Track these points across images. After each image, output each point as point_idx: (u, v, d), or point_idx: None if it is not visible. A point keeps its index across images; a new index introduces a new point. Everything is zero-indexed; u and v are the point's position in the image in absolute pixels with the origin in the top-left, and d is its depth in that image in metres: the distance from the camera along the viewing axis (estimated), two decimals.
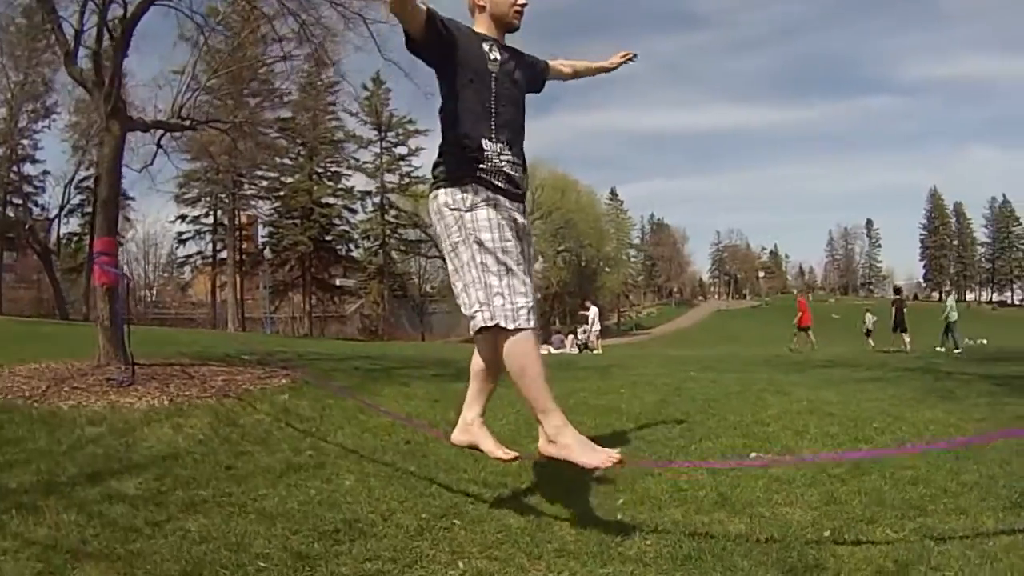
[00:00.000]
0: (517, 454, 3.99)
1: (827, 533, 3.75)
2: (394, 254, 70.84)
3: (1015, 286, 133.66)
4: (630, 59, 4.83)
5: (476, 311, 3.63)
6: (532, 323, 3.60)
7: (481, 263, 3.63)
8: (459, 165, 3.77)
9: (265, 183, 61.05)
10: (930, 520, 3.91)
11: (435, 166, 3.90)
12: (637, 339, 74.91)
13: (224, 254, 60.93)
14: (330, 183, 64.74)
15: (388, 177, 69.72)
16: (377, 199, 69.40)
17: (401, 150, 70.13)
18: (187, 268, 67.10)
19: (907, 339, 26.19)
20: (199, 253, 63.20)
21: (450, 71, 3.84)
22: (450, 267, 3.82)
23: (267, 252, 54.54)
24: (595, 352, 27.60)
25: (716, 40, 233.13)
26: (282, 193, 61.31)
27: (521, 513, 4.06)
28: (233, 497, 4.24)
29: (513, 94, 3.96)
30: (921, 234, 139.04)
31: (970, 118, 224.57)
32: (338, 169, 65.97)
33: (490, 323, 3.58)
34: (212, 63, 11.19)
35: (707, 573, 3.26)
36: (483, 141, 3.78)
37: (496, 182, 3.77)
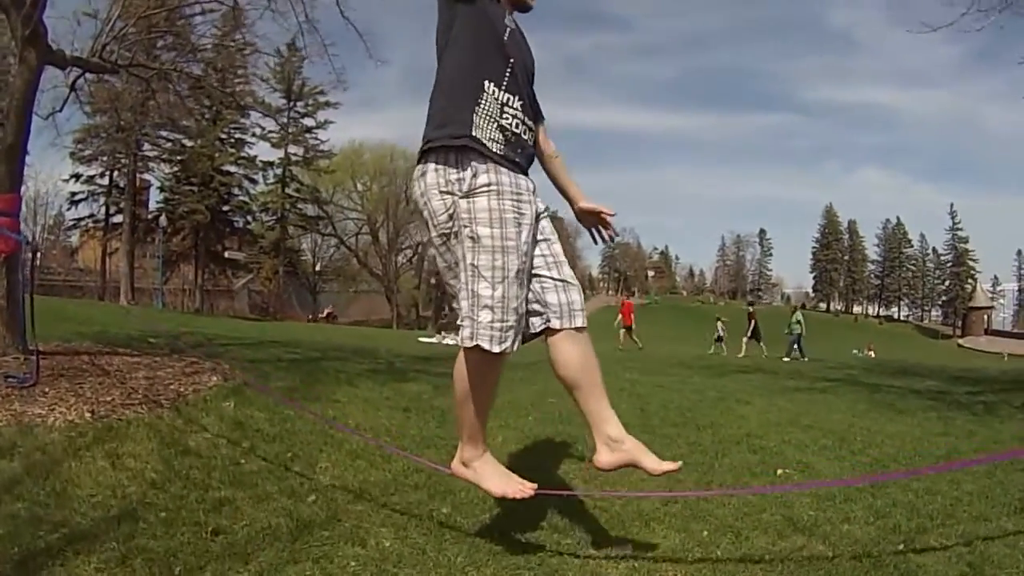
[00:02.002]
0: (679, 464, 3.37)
1: (900, 546, 3.84)
2: (291, 229, 68.50)
3: (902, 303, 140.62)
4: (604, 223, 3.73)
5: (460, 324, 3.15)
6: (516, 346, 3.14)
7: (472, 265, 3.08)
8: (453, 106, 3.17)
9: (168, 144, 57.03)
10: (964, 527, 4.15)
11: (427, 126, 3.27)
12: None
13: (118, 219, 56.14)
14: (233, 150, 61.15)
15: (293, 149, 66.38)
16: (279, 171, 65.61)
17: (309, 122, 67.19)
18: (75, 232, 62.53)
19: (759, 344, 28.34)
20: (91, 216, 58.33)
21: (469, 16, 3.24)
22: (441, 262, 3.32)
23: (163, 219, 51.23)
24: None
25: (622, 43, 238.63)
26: (183, 157, 57.40)
27: (619, 562, 3.49)
28: None
29: (526, 63, 3.40)
30: (814, 247, 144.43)
31: (867, 143, 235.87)
32: (242, 136, 62.27)
33: (469, 343, 3.08)
34: (130, 7, 9.80)
35: None
36: (487, 82, 3.18)
37: (498, 143, 3.16)
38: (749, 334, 28.76)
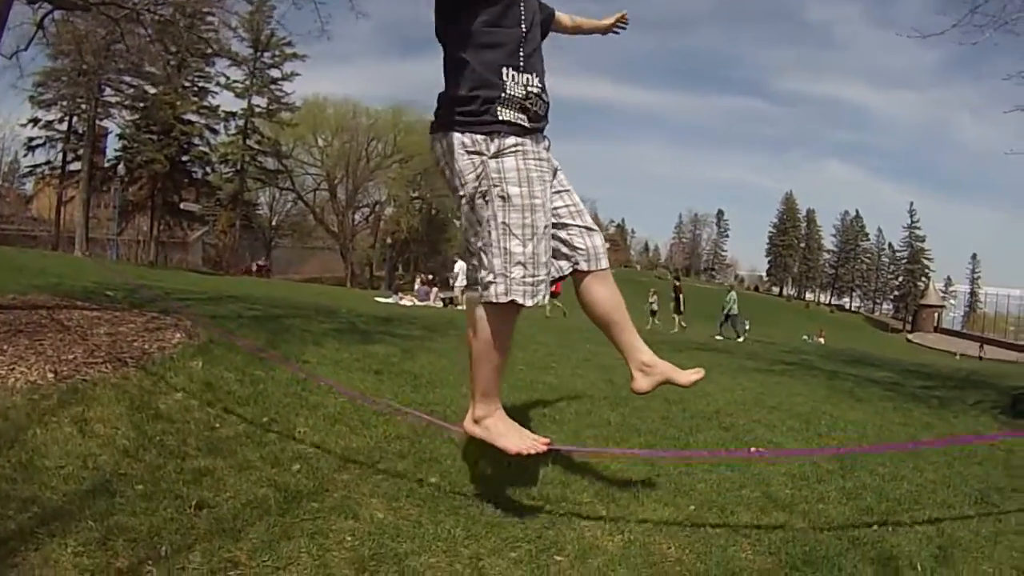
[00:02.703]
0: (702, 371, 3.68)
1: (874, 526, 3.95)
2: (250, 182, 67.30)
3: (854, 294, 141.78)
4: (623, 22, 4.27)
5: (491, 281, 3.13)
6: (546, 298, 3.28)
7: (503, 223, 3.12)
8: (479, 98, 3.14)
9: (131, 91, 55.41)
10: (930, 512, 4.29)
11: (445, 102, 3.27)
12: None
13: (74, 166, 54.92)
14: (196, 99, 59.51)
15: (256, 100, 64.42)
16: (241, 122, 63.79)
17: (274, 73, 65.00)
18: (30, 180, 61.23)
19: (681, 321, 28.62)
20: (48, 163, 57.00)
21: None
22: (464, 221, 3.29)
23: (120, 168, 49.92)
24: (460, 308, 26.49)
25: (598, 12, 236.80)
26: (145, 104, 55.66)
27: (615, 532, 3.55)
28: (242, 572, 2.74)
29: (537, 20, 3.40)
30: (770, 232, 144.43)
31: (833, 137, 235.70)
32: (206, 85, 60.81)
33: (504, 299, 3.11)
34: None
35: (828, 572, 3.30)
36: (507, 69, 3.18)
37: (523, 121, 3.18)
38: (677, 308, 28.96)
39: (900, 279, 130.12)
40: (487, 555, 3.10)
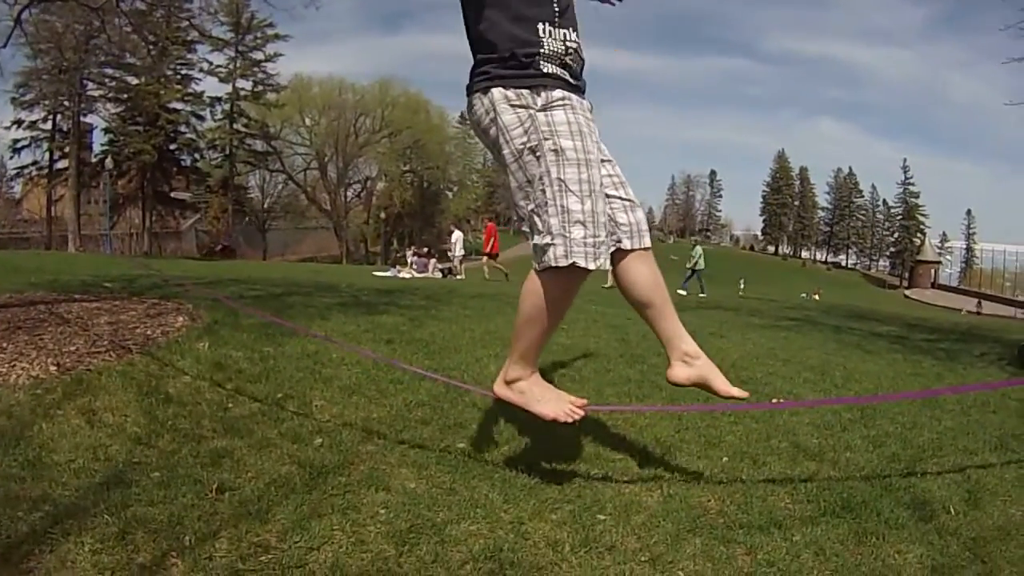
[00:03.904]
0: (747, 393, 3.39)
1: (904, 472, 3.96)
2: (239, 166, 66.83)
3: (850, 251, 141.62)
4: None
5: (548, 243, 2.88)
6: (607, 261, 3.04)
7: (559, 179, 2.88)
8: (518, 55, 2.96)
9: (113, 83, 55.40)
10: (954, 458, 4.28)
11: (479, 69, 3.08)
12: (479, 264, 74.33)
13: (61, 164, 54.50)
14: (179, 87, 59.20)
15: (241, 83, 64.09)
16: (227, 106, 63.44)
17: (257, 55, 64.66)
18: (18, 182, 60.43)
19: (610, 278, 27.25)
20: (34, 163, 56.35)
21: None
22: (513, 182, 3.07)
23: (108, 162, 49.54)
24: (459, 277, 26.50)
25: None
26: (128, 96, 55.65)
27: (654, 489, 3.48)
28: (274, 556, 2.59)
29: None
30: (764, 191, 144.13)
31: (826, 95, 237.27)
32: (189, 72, 60.59)
33: (564, 263, 2.86)
34: None
35: (868, 518, 3.27)
36: (543, 25, 2.99)
37: (567, 75, 3.02)
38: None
39: (896, 236, 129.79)
40: (528, 518, 3.01)
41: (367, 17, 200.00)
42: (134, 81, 54.39)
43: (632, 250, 3.18)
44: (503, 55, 2.95)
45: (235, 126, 64.42)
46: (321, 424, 3.93)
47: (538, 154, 2.91)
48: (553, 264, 2.87)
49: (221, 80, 62.81)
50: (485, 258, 28.30)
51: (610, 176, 3.17)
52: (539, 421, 3.35)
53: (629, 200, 3.21)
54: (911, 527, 3.23)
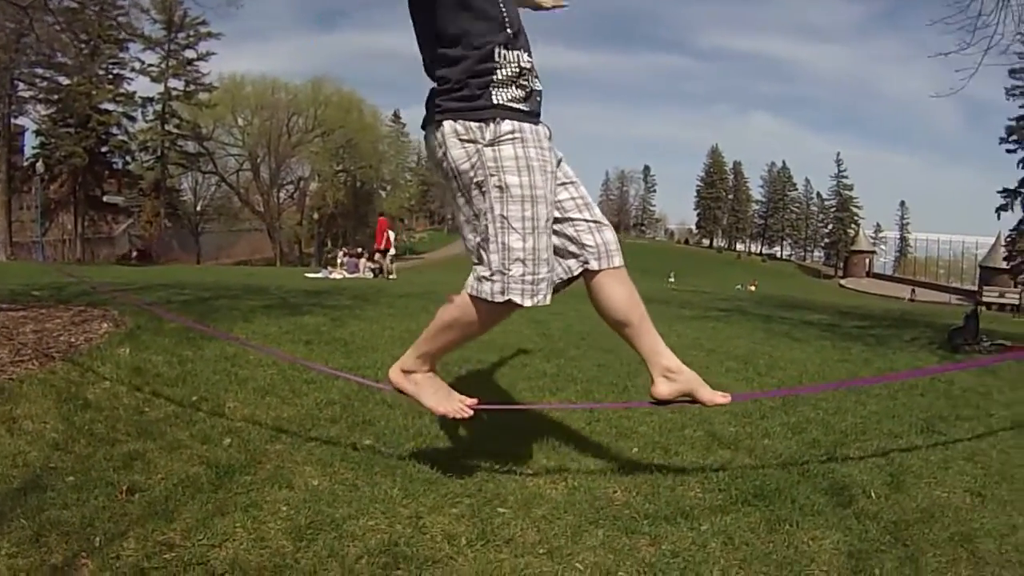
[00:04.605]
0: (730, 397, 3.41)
1: (823, 458, 4.01)
2: (171, 168, 65.11)
3: (785, 242, 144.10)
4: (559, 5, 3.80)
5: (487, 277, 2.91)
6: (548, 298, 2.99)
7: (501, 216, 2.87)
8: (471, 83, 2.92)
9: (44, 84, 53.18)
10: (878, 442, 4.39)
11: (434, 101, 3.03)
12: (412, 263, 74.00)
13: None
14: (111, 87, 57.20)
15: (173, 83, 62.15)
16: (159, 106, 61.59)
17: (189, 54, 62.62)
18: None
19: None
20: None
21: None
22: (460, 215, 3.10)
23: (40, 165, 48.04)
24: (391, 277, 26.20)
25: None
26: (60, 96, 53.60)
27: (559, 482, 3.50)
28: (177, 554, 2.59)
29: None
30: (698, 185, 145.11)
31: (760, 90, 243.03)
32: (121, 71, 58.67)
33: (499, 299, 2.89)
34: None
35: (782, 506, 3.30)
36: (497, 49, 2.93)
37: (520, 102, 2.96)
38: None
39: (830, 227, 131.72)
40: (427, 513, 3.03)
41: (302, 15, 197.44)
42: (65, 81, 52.71)
43: (600, 270, 3.14)
44: (456, 86, 2.93)
45: (167, 127, 62.74)
46: (232, 425, 3.94)
47: (483, 189, 2.90)
48: (488, 299, 2.90)
49: (153, 80, 61.26)
50: (378, 255, 27.50)
51: (573, 199, 3.16)
52: (448, 417, 3.42)
53: (595, 221, 3.17)
54: (828, 513, 3.27)
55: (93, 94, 53.77)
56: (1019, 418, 5.28)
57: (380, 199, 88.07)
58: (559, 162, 3.14)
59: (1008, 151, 62.08)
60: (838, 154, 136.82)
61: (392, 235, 30.79)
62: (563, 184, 3.13)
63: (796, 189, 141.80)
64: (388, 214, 63.82)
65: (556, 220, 3.08)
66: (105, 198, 58.70)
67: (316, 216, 77.34)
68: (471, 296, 2.96)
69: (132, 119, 60.26)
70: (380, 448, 3.76)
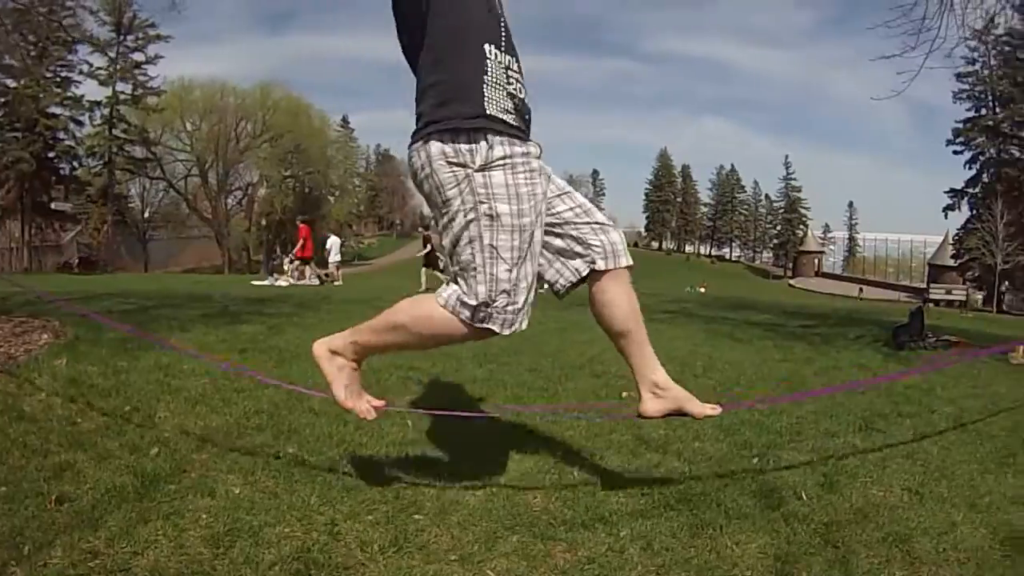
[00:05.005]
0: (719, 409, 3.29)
1: (755, 460, 4.01)
2: (119, 174, 63.44)
3: (734, 244, 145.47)
4: None
5: (470, 303, 2.80)
6: (525, 325, 2.93)
7: (491, 246, 2.77)
8: (461, 83, 2.79)
9: None
10: (814, 442, 4.38)
11: (421, 117, 2.86)
12: (360, 270, 73.38)
13: None
14: (59, 90, 56.23)
15: (121, 87, 60.56)
16: (107, 111, 59.95)
17: (138, 57, 61.10)
18: None
19: (440, 276, 23.36)
20: None
21: None
22: (445, 238, 2.90)
23: None
24: (336, 283, 26.11)
25: None
26: (4, 100, 52.69)
27: (478, 488, 3.48)
28: (101, 562, 2.63)
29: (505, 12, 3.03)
30: (647, 189, 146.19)
31: (707, 94, 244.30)
32: (69, 74, 57.54)
33: (479, 325, 2.82)
34: None
35: (707, 509, 3.29)
36: (488, 46, 2.82)
37: (511, 115, 2.84)
38: (425, 262, 24.86)
39: (778, 228, 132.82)
40: (343, 520, 3.04)
41: (252, 18, 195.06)
42: (12, 84, 51.75)
43: (607, 271, 3.06)
44: (445, 82, 2.81)
45: (114, 132, 61.25)
46: (160, 435, 3.95)
47: (472, 217, 2.77)
48: (468, 322, 2.83)
49: (101, 83, 59.87)
50: (297, 262, 26.14)
51: (571, 208, 3.06)
52: (371, 424, 3.53)
53: (599, 223, 3.08)
54: (755, 516, 3.24)
55: (41, 97, 52.84)
56: (962, 414, 5.32)
57: (329, 205, 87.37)
58: (549, 177, 3.04)
59: (955, 152, 63.73)
60: (786, 156, 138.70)
61: (338, 241, 30.68)
62: (559, 196, 3.06)
63: (745, 191, 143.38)
64: (333, 219, 63.21)
65: (559, 228, 3.04)
66: (53, 205, 57.53)
67: (264, 222, 76.55)
68: (447, 311, 2.85)
69: (80, 124, 59.20)
70: (302, 456, 3.77)
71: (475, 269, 2.78)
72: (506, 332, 2.85)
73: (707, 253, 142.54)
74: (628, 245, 3.19)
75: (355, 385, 3.14)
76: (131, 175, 66.55)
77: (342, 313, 9.89)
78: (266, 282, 23.09)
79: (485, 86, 2.77)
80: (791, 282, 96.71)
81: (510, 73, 2.87)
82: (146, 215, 70.73)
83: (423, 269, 24.21)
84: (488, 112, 2.76)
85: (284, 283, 23.11)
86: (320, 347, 3.14)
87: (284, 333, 7.38)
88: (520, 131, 2.88)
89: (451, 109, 2.76)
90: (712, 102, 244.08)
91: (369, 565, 2.71)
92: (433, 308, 2.87)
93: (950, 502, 3.53)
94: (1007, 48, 53.55)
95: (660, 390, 3.17)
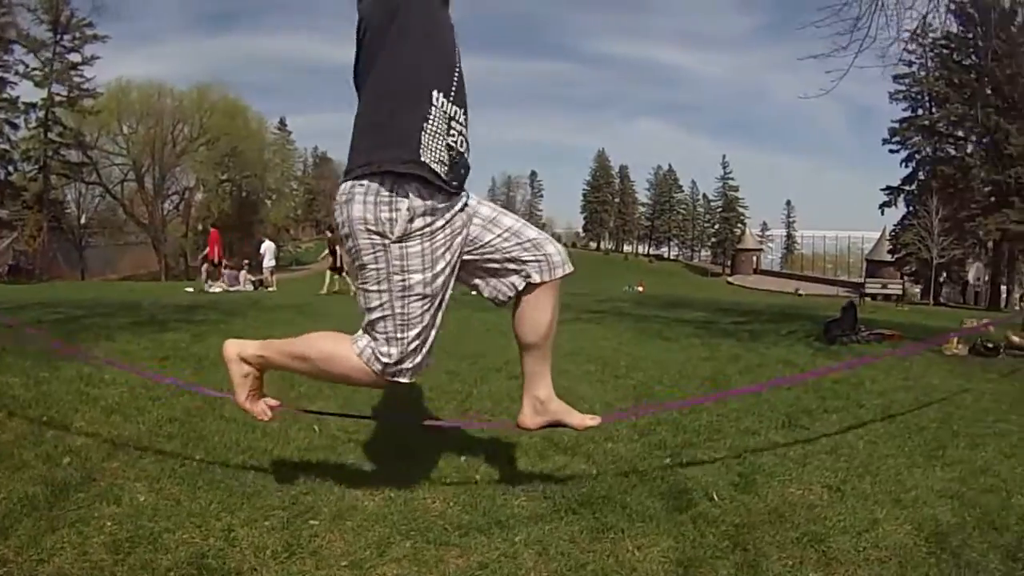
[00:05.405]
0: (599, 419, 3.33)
1: (667, 460, 3.98)
2: (54, 179, 61.65)
3: (672, 243, 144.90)
4: None
5: (379, 359, 2.86)
6: (432, 361, 3.01)
7: (402, 314, 2.80)
8: (396, 126, 2.72)
9: None
10: (732, 440, 4.36)
11: (361, 140, 2.80)
12: (298, 274, 72.31)
13: None
14: None
15: (56, 88, 58.35)
16: (42, 113, 57.81)
17: (75, 57, 58.95)
18: None
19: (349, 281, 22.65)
20: None
21: (423, 7, 2.80)
22: (360, 289, 2.90)
23: None
24: (270, 289, 25.89)
25: None
26: None
27: (377, 493, 3.48)
28: (8, 569, 2.68)
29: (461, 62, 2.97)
30: (584, 189, 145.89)
31: (646, 96, 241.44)
32: (4, 75, 55.52)
33: (386, 378, 2.89)
34: None
35: (611, 512, 3.26)
36: (435, 93, 2.75)
37: (443, 168, 2.76)
38: (332, 266, 24.02)
39: (716, 227, 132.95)
40: (240, 525, 3.05)
41: (192, 17, 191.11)
42: None
43: (542, 283, 3.05)
44: (379, 123, 2.76)
45: (50, 135, 59.31)
46: (74, 444, 3.95)
47: (385, 287, 2.78)
48: (379, 374, 2.87)
49: (36, 84, 57.79)
50: (207, 265, 25.54)
51: (500, 235, 3.01)
52: (278, 430, 3.71)
53: (530, 239, 3.03)
54: (661, 519, 3.21)
55: None
56: (891, 406, 5.32)
57: (266, 209, 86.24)
58: (473, 217, 3.00)
59: (891, 151, 64.69)
60: (724, 156, 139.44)
61: (273, 246, 30.38)
62: (484, 227, 3.01)
63: (682, 191, 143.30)
64: (270, 224, 62.36)
65: (489, 254, 3.01)
66: None
67: (200, 228, 75.23)
68: (362, 361, 2.88)
69: (15, 126, 57.48)
70: (209, 462, 3.79)
71: (387, 334, 2.83)
72: (404, 380, 2.90)
73: (645, 252, 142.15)
74: (567, 245, 3.24)
75: (257, 391, 3.19)
76: (67, 180, 64.53)
77: (270, 320, 9.94)
78: (217, 288, 22.75)
79: (423, 132, 2.71)
80: (729, 279, 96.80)
81: (452, 124, 2.81)
82: (82, 221, 68.60)
83: (328, 272, 23.93)
84: (421, 158, 2.70)
85: (217, 289, 22.86)
86: (231, 349, 3.16)
87: (207, 340, 7.40)
88: (450, 185, 2.82)
89: (387, 153, 2.70)
90: (650, 104, 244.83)
91: (261, 570, 2.73)
92: (349, 353, 2.91)
93: (873, 498, 3.51)
94: (944, 51, 54.76)
95: (541, 405, 3.20)
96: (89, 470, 3.61)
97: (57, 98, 59.27)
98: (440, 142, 2.75)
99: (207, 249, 25.97)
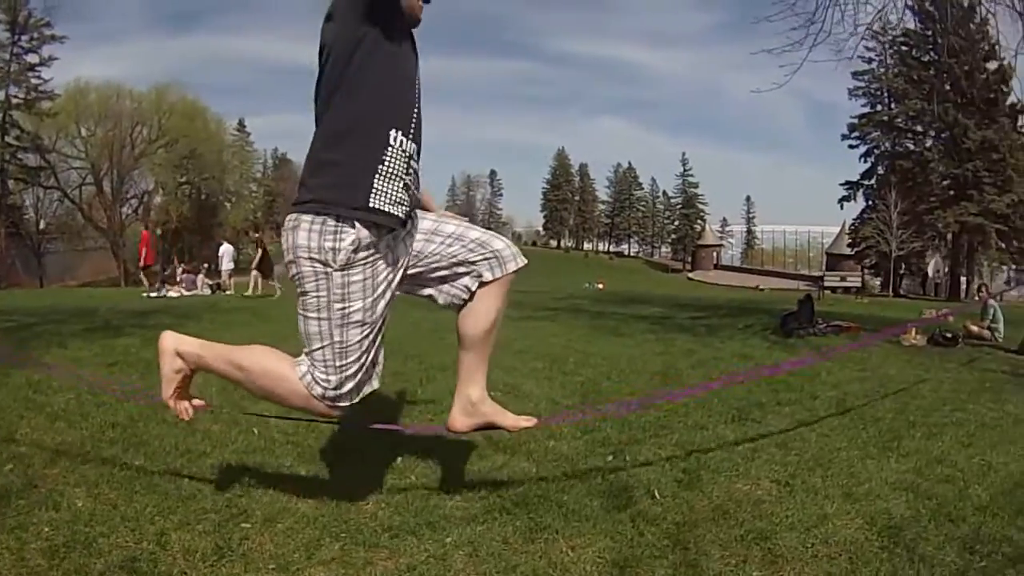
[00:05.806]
0: (535, 420, 3.28)
1: (610, 458, 3.94)
2: (11, 183, 60.01)
3: (632, 240, 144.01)
4: None
5: (319, 387, 2.86)
6: (376, 383, 3.07)
7: (340, 341, 2.79)
8: (352, 173, 2.70)
9: None
10: (680, 436, 4.31)
11: (314, 176, 2.77)
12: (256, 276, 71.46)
13: None
14: None
15: (13, 90, 56.45)
16: None
17: (32, 58, 56.20)
18: None
19: (274, 284, 22.99)
20: None
21: (384, 45, 2.73)
22: (300, 315, 2.86)
23: None
24: (227, 292, 25.58)
25: None
26: None
27: (312, 495, 3.46)
28: None
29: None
30: (544, 188, 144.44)
31: (605, 94, 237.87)
32: None
33: (325, 403, 2.90)
34: None
35: (546, 512, 3.23)
36: (394, 133, 2.75)
37: (395, 208, 2.77)
38: (256, 266, 23.91)
39: (676, 223, 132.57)
40: (173, 529, 3.04)
41: (152, 17, 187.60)
42: None
43: (493, 280, 3.02)
44: (335, 160, 2.72)
45: (7, 139, 57.44)
46: (18, 451, 3.96)
47: (324, 315, 2.77)
48: (319, 399, 2.87)
49: None
50: (143, 270, 25.09)
51: (443, 242, 3.00)
52: (218, 433, 3.78)
53: (474, 241, 3.01)
54: (599, 518, 3.18)
55: None
56: (846, 398, 5.30)
57: (225, 211, 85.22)
58: (418, 223, 3.02)
59: (850, 146, 65.51)
60: (683, 154, 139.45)
61: (231, 249, 30.04)
62: (426, 240, 3.00)
63: (642, 188, 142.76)
64: (230, 226, 61.44)
65: (435, 263, 3.00)
66: None
67: (160, 232, 74.22)
68: (302, 385, 2.88)
69: None
70: (147, 467, 3.79)
71: (325, 361, 2.83)
72: (345, 403, 2.93)
73: (606, 250, 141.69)
74: (527, 244, 3.21)
75: (184, 389, 3.16)
76: (24, 184, 62.85)
77: (224, 323, 9.94)
78: (154, 294, 22.47)
79: (377, 177, 2.71)
80: (690, 275, 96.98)
81: (411, 163, 2.82)
82: (41, 227, 67.01)
83: (254, 273, 23.68)
84: (371, 204, 2.70)
85: (174, 294, 22.63)
86: (168, 342, 3.13)
87: (153, 348, 7.32)
88: (399, 221, 2.81)
89: (338, 194, 2.68)
90: (609, 102, 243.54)
91: (191, 573, 2.74)
92: (291, 375, 2.89)
93: (823, 492, 3.48)
94: (903, 47, 55.54)
95: (472, 406, 3.15)
96: (31, 476, 3.62)
97: (14, 100, 57.57)
98: (397, 183, 2.76)
99: (142, 254, 25.41)
